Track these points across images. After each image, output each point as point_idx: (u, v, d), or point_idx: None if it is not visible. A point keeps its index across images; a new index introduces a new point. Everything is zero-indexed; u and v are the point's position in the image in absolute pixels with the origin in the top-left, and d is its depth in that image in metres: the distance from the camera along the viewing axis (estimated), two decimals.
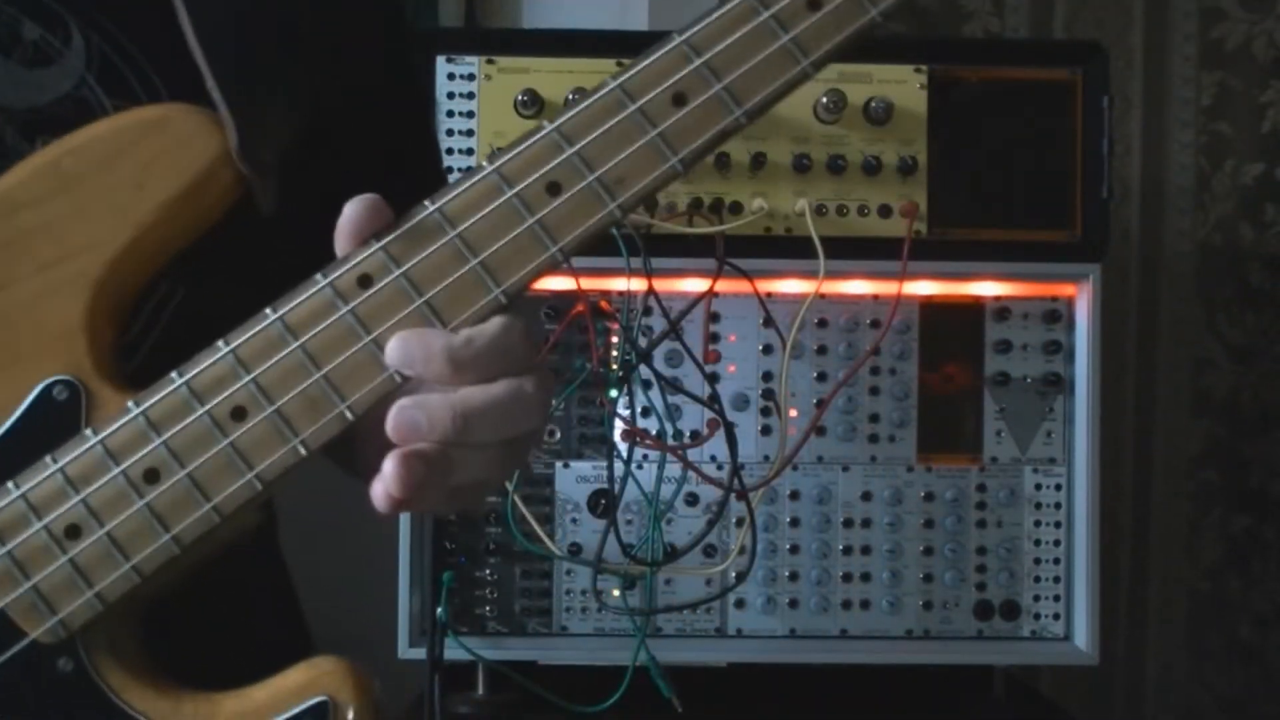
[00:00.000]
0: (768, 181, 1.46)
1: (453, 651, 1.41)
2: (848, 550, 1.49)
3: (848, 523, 1.49)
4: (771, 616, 1.49)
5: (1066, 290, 1.50)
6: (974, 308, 1.50)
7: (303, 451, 0.67)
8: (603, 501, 1.45)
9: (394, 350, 0.66)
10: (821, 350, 1.48)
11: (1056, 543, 1.50)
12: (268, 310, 0.67)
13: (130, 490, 0.66)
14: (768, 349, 1.47)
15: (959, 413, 1.50)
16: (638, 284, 1.39)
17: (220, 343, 0.67)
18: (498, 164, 0.67)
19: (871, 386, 1.49)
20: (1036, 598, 1.50)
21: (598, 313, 1.43)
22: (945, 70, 1.47)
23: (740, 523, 1.46)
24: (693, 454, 1.43)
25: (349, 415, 0.67)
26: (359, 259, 0.67)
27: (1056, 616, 1.50)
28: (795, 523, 1.48)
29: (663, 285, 1.41)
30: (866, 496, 1.49)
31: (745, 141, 1.46)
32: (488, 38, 1.53)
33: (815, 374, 1.48)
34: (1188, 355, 2.09)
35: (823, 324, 1.48)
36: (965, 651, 1.50)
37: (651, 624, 1.45)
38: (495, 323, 0.66)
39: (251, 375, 0.66)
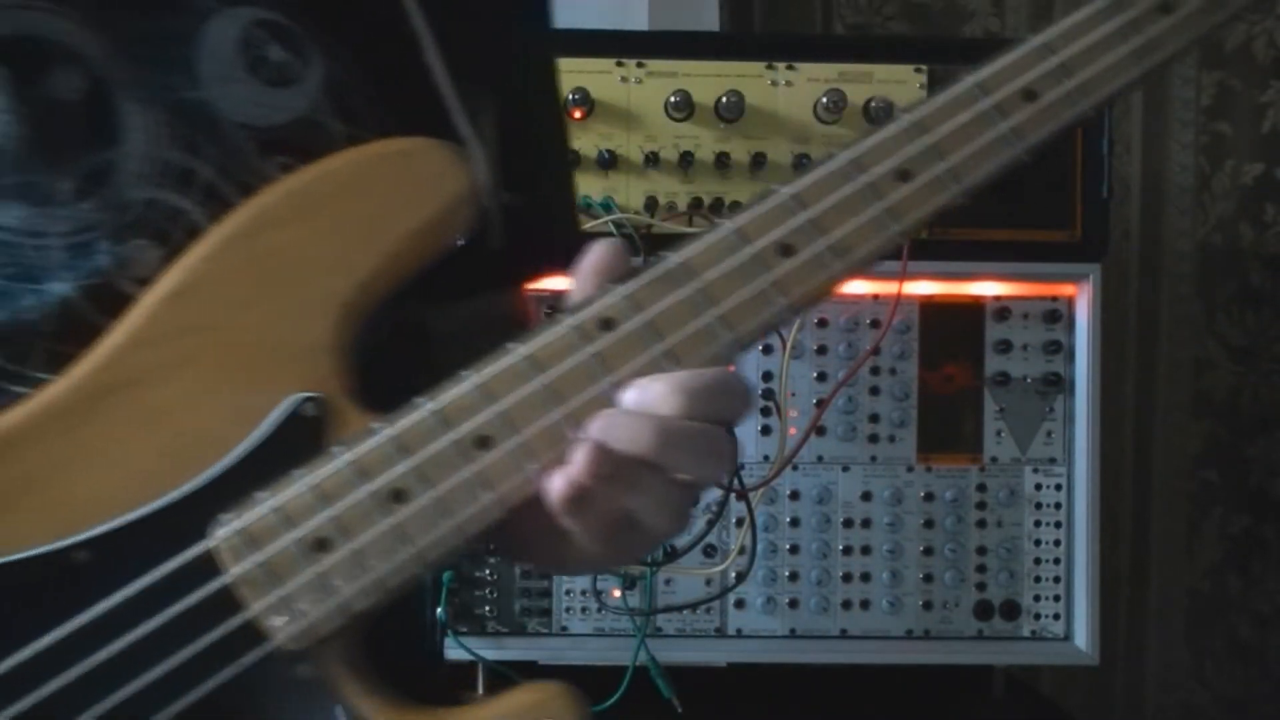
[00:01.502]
0: (768, 181, 1.46)
1: (453, 651, 1.42)
2: (848, 550, 1.49)
3: (848, 523, 1.49)
4: (771, 616, 1.49)
5: (1066, 290, 1.50)
6: (974, 308, 1.50)
7: (540, 482, 0.69)
8: None
9: (631, 394, 0.69)
10: (821, 350, 1.48)
11: (1056, 543, 1.50)
12: (512, 345, 0.70)
13: (378, 508, 0.68)
14: (767, 349, 1.47)
15: (959, 413, 1.50)
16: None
17: (466, 373, 0.69)
18: (738, 222, 0.71)
19: (871, 386, 1.49)
20: (1036, 598, 1.50)
21: None
22: (945, 70, 1.47)
23: (740, 523, 1.46)
24: None
25: None
26: (603, 301, 0.70)
27: (1056, 616, 1.50)
28: (795, 523, 1.49)
29: None
30: (866, 496, 1.49)
31: (745, 141, 1.46)
32: None
33: (815, 374, 1.48)
34: (1188, 355, 2.09)
35: (823, 324, 1.48)
36: (965, 651, 1.50)
37: (651, 624, 1.45)
38: (722, 369, 0.70)
39: (498, 405, 0.69)
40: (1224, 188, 2.08)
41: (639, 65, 1.46)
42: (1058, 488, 1.51)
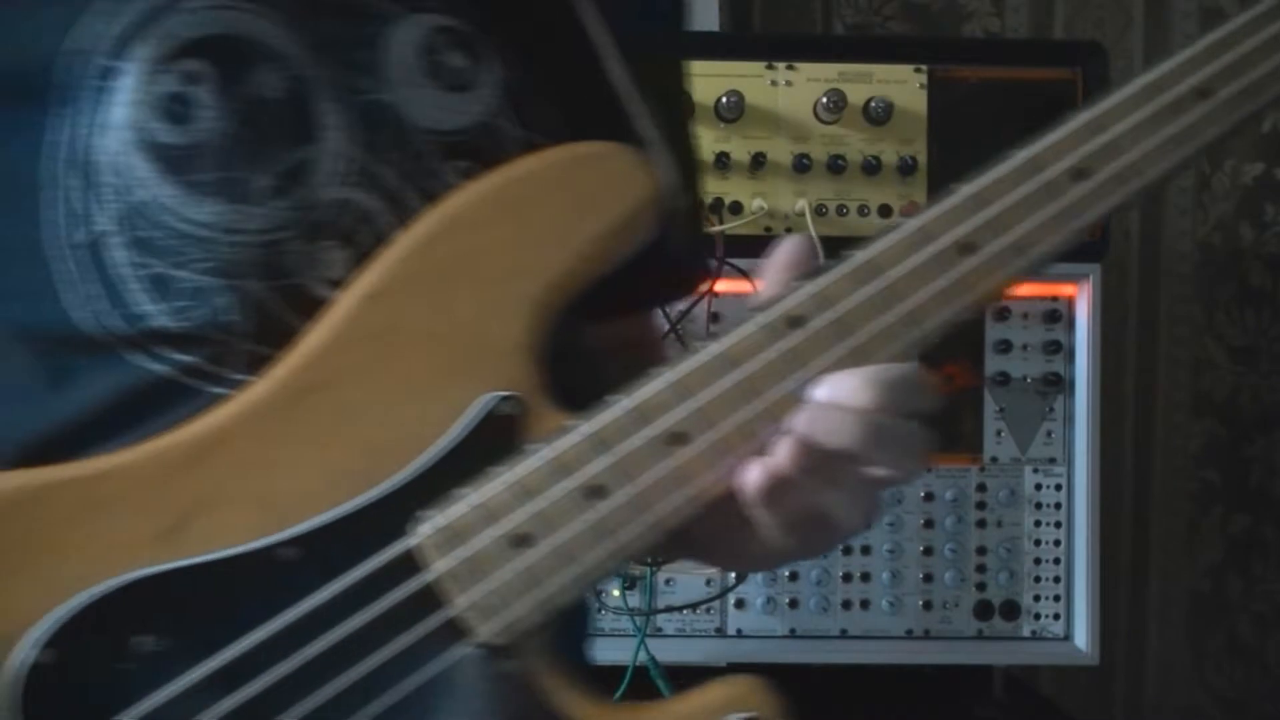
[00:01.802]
0: (768, 181, 1.46)
1: None
2: (848, 550, 1.49)
3: None
4: (771, 616, 1.49)
5: (1066, 290, 1.50)
6: None
7: (735, 477, 0.70)
8: None
9: (823, 388, 0.69)
10: None
11: (1056, 543, 1.50)
12: (708, 344, 0.71)
13: (578, 504, 0.69)
14: None
15: (959, 413, 1.50)
16: None
17: (659, 370, 0.71)
18: (920, 221, 0.72)
19: None
20: (1036, 598, 1.50)
21: None
22: (945, 70, 1.47)
23: None
24: None
25: None
26: (792, 299, 0.71)
27: (1056, 616, 1.50)
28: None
29: None
30: None
31: (745, 141, 1.46)
32: None
33: None
34: (1188, 355, 2.09)
35: None
36: (965, 651, 1.50)
37: (651, 624, 1.45)
38: (910, 365, 0.72)
39: (694, 401, 0.70)
40: (1224, 188, 2.08)
41: None
42: (1058, 488, 1.51)
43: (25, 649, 0.65)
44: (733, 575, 1.46)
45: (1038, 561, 1.50)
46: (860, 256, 0.72)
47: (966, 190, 0.73)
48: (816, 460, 0.68)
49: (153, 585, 0.67)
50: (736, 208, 1.45)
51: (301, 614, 0.67)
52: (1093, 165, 0.73)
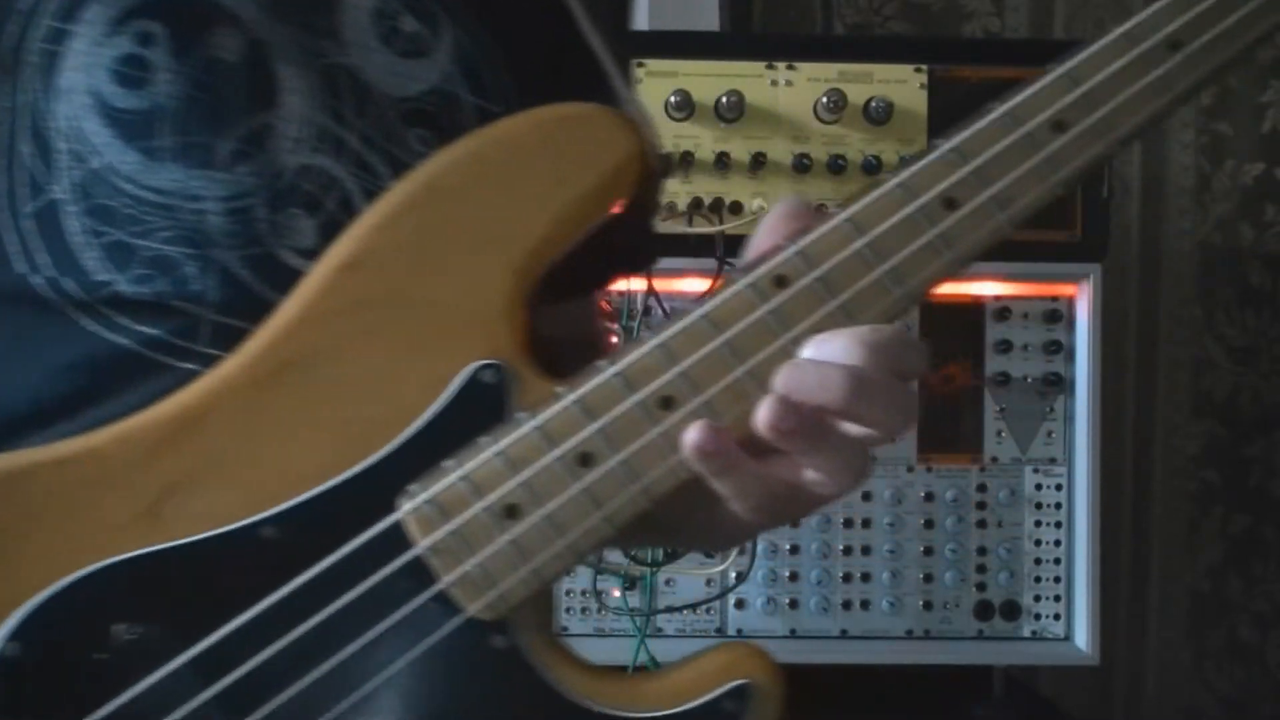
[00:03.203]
0: (768, 181, 1.46)
1: None
2: (848, 550, 1.49)
3: (848, 523, 1.49)
4: (772, 617, 1.49)
5: (1066, 290, 1.50)
6: (974, 308, 1.50)
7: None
8: None
9: (810, 348, 0.68)
10: None
11: (1057, 543, 1.50)
12: (692, 307, 0.69)
13: (567, 473, 0.68)
14: None
15: (959, 413, 1.50)
16: (637, 284, 1.39)
17: (647, 334, 0.69)
18: (901, 177, 0.71)
19: None
20: (1037, 598, 1.50)
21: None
22: (945, 70, 1.47)
23: None
24: None
25: None
26: (776, 260, 0.70)
27: (1057, 616, 1.50)
28: (795, 523, 1.48)
29: (662, 285, 1.41)
30: (867, 497, 1.49)
31: (745, 141, 1.46)
32: None
33: None
34: (1188, 355, 2.09)
35: None
36: (965, 651, 1.50)
37: (651, 624, 1.45)
38: (900, 324, 0.71)
39: (681, 366, 0.68)
40: (1224, 188, 2.08)
41: (639, 65, 1.46)
42: (1058, 488, 1.51)
43: None
44: (733, 575, 1.46)
45: (1038, 561, 1.50)
46: (842, 216, 0.70)
47: (946, 145, 0.72)
48: (802, 419, 0.67)
49: (130, 570, 0.65)
50: (736, 208, 1.45)
51: (287, 595, 0.66)
52: (1071, 118, 0.73)
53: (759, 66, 1.47)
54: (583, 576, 1.46)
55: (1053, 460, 1.51)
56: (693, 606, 1.47)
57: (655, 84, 1.46)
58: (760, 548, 1.47)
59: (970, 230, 0.71)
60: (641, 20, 1.81)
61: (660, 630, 1.47)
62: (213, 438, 0.67)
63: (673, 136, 1.46)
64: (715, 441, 0.67)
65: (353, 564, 0.67)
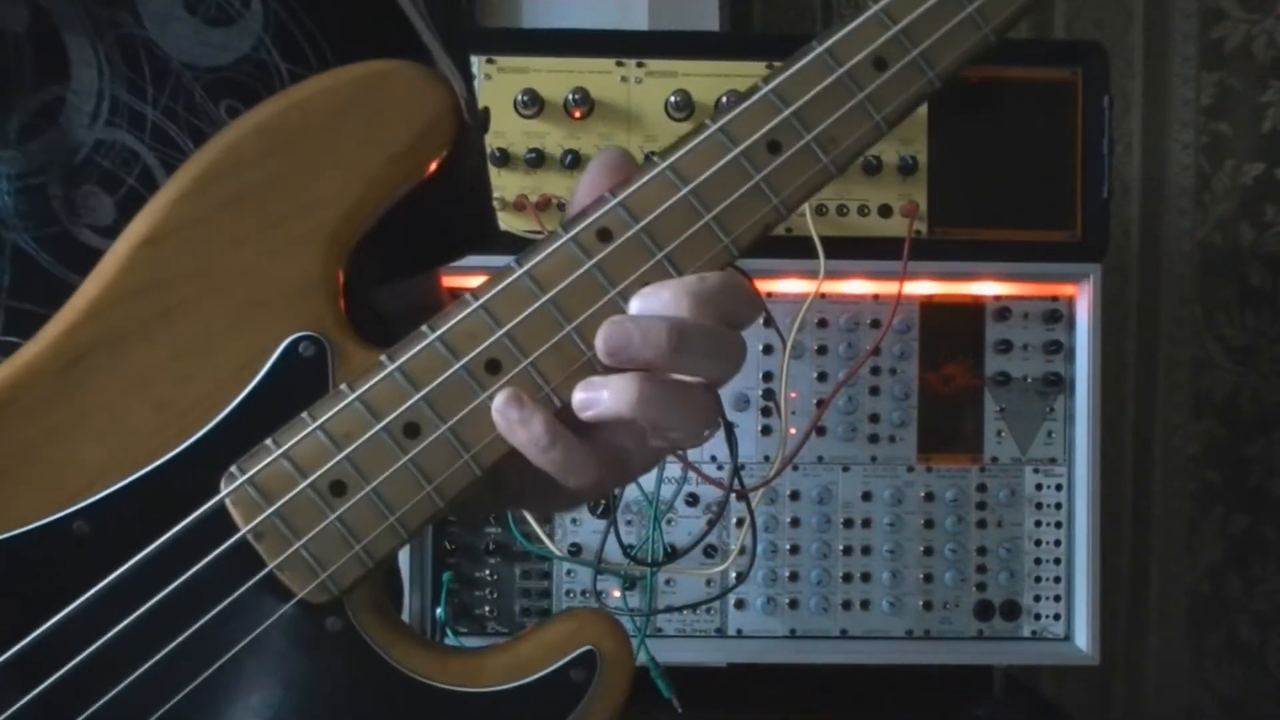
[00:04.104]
0: None
1: None
2: (848, 550, 1.49)
3: (848, 523, 1.49)
4: (772, 617, 1.49)
5: (1066, 290, 1.50)
6: (974, 308, 1.50)
7: (556, 402, 0.67)
8: (603, 502, 1.45)
9: (637, 302, 0.67)
10: (822, 350, 1.48)
11: (1057, 543, 1.50)
12: (512, 264, 0.67)
13: (393, 446, 0.66)
14: (768, 349, 1.47)
15: (959, 413, 1.50)
16: None
17: (469, 296, 0.67)
18: (720, 123, 0.69)
19: (872, 386, 1.49)
20: (1037, 598, 1.50)
21: None
22: None
23: (740, 523, 1.46)
24: (693, 454, 1.43)
25: (597, 367, 0.67)
26: (599, 214, 0.68)
27: (1057, 617, 1.50)
28: (795, 523, 1.48)
29: None
30: (867, 497, 1.49)
31: None
32: (488, 37, 1.53)
33: (815, 374, 1.48)
34: (1188, 355, 2.09)
35: (823, 324, 1.48)
36: (965, 651, 1.50)
37: (651, 624, 1.45)
38: (728, 271, 0.69)
39: (504, 328, 0.67)
40: (1224, 188, 2.08)
41: (639, 65, 1.46)
42: (1058, 488, 1.51)
43: None
44: (733, 575, 1.46)
45: (1038, 561, 1.50)
46: (662, 164, 0.69)
47: (766, 88, 0.70)
48: (639, 388, 0.65)
49: None
50: None
51: (104, 591, 0.63)
52: (890, 55, 0.71)
53: (759, 66, 1.47)
54: (582, 576, 1.46)
55: (1053, 460, 1.51)
56: (693, 606, 1.47)
57: (655, 84, 1.46)
58: (760, 548, 1.47)
59: (794, 174, 0.69)
60: (641, 20, 1.81)
61: (660, 630, 1.47)
62: (13, 429, 0.64)
63: (673, 136, 1.46)
64: (519, 410, 0.65)
65: (175, 552, 0.64)
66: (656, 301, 0.66)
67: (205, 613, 0.64)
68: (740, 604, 1.48)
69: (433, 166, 0.69)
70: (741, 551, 1.45)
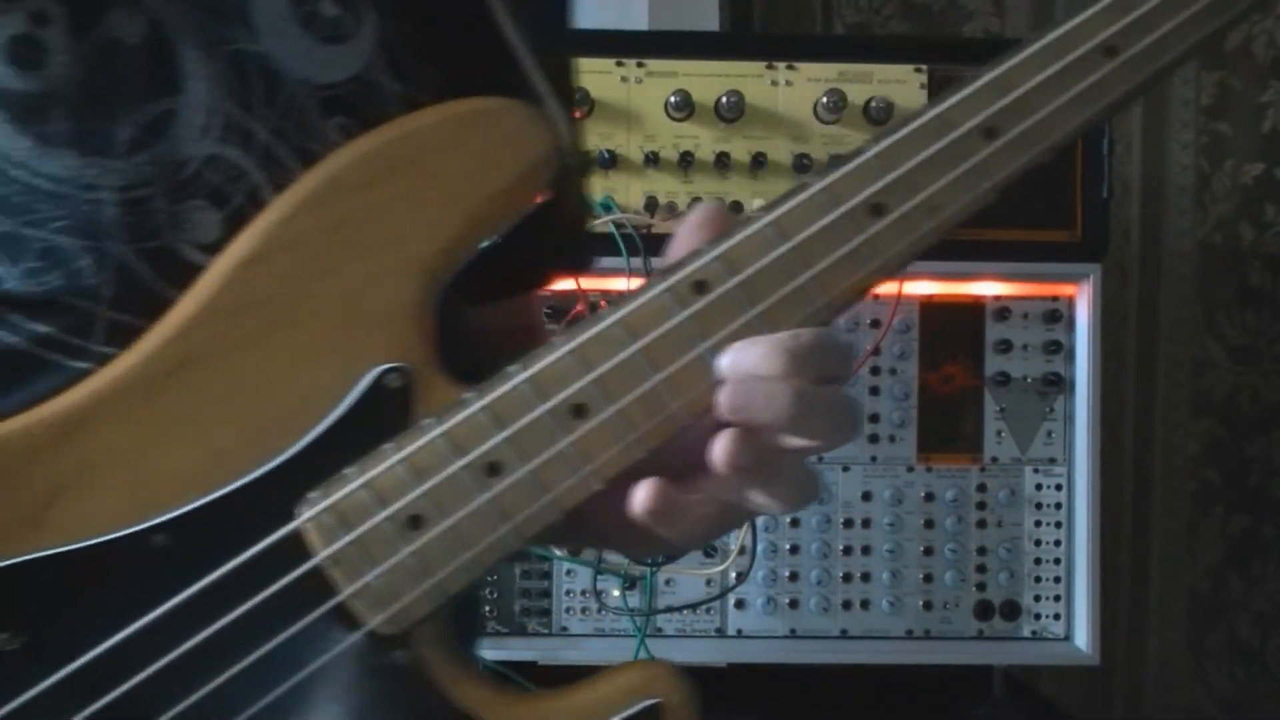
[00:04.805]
0: (768, 181, 1.46)
1: None
2: (848, 550, 1.49)
3: (848, 523, 1.49)
4: (772, 617, 1.49)
5: (1066, 290, 1.50)
6: (974, 308, 1.50)
7: (640, 451, 0.66)
8: None
9: (728, 357, 0.66)
10: None
11: (1057, 543, 1.50)
12: (605, 311, 0.67)
13: (473, 483, 0.65)
14: None
15: (959, 413, 1.50)
16: (637, 284, 1.38)
17: (559, 340, 0.66)
18: (827, 181, 0.69)
19: (872, 386, 1.49)
20: (1037, 598, 1.50)
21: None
22: (945, 70, 1.47)
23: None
24: None
25: (683, 418, 0.67)
26: (695, 265, 0.67)
27: (1057, 616, 1.50)
28: (795, 523, 1.48)
29: None
30: (867, 496, 1.49)
31: (745, 141, 1.46)
32: None
33: None
34: (1188, 355, 2.09)
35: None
36: (965, 651, 1.50)
37: (651, 624, 1.45)
38: (820, 328, 0.67)
39: (593, 374, 0.66)
40: (1224, 188, 2.08)
41: (639, 65, 1.46)
42: (1058, 488, 1.51)
43: None
44: (733, 575, 1.46)
45: (1038, 561, 1.50)
46: (765, 219, 0.68)
47: (872, 150, 0.69)
48: (757, 450, 0.64)
49: (12, 577, 0.62)
50: (737, 208, 1.45)
51: (178, 606, 0.63)
52: (1002, 124, 0.71)
53: (759, 66, 1.47)
54: (582, 576, 1.46)
55: (1053, 460, 1.51)
56: (693, 606, 1.47)
57: (655, 84, 1.46)
58: (760, 548, 1.47)
59: (897, 238, 0.69)
60: (641, 20, 1.81)
61: (660, 630, 1.47)
62: (103, 439, 0.64)
63: (673, 136, 1.46)
64: (665, 502, 0.65)
65: (248, 574, 0.64)
66: (748, 357, 0.65)
67: (274, 636, 0.64)
68: (740, 604, 1.48)
69: (532, 205, 0.69)
70: (741, 551, 1.45)
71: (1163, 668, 2.10)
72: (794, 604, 1.49)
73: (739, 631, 1.49)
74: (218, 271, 0.66)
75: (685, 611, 1.47)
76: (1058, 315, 1.50)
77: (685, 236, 0.69)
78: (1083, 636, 1.49)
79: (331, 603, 0.64)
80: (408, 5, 0.74)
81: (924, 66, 1.47)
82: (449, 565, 0.65)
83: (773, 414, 0.64)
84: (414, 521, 0.65)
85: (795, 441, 0.65)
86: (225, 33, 0.68)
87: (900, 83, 1.47)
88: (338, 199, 0.67)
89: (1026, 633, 1.50)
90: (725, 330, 0.66)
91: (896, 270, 0.70)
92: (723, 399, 0.65)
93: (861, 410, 0.69)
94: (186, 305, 0.65)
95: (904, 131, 0.70)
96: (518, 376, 0.66)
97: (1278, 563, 2.10)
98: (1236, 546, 2.10)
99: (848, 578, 1.49)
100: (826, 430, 0.65)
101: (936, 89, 1.47)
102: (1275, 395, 2.09)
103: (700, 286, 0.67)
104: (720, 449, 0.64)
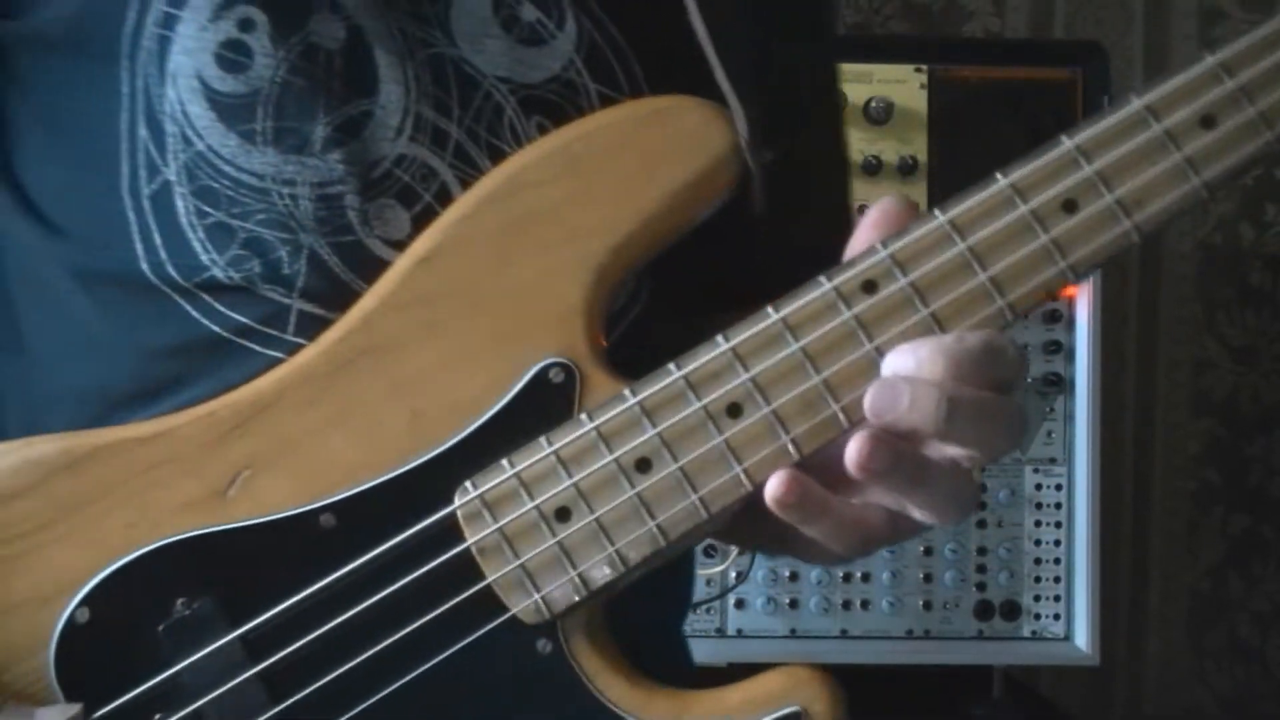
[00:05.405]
0: None
1: None
2: None
3: None
4: (772, 616, 1.49)
5: (1066, 290, 1.50)
6: None
7: (794, 454, 0.65)
8: None
9: (890, 359, 0.64)
10: None
11: (1057, 543, 1.50)
12: (769, 309, 0.66)
13: (622, 478, 0.66)
14: None
15: None
16: None
17: (719, 338, 0.66)
18: (1011, 178, 0.66)
19: None
20: (1037, 598, 1.50)
21: None
22: (945, 70, 1.47)
23: None
24: None
25: (842, 420, 0.65)
26: (866, 264, 0.65)
27: (1056, 616, 1.50)
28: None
29: None
30: None
31: None
32: None
33: None
34: (1188, 355, 2.09)
35: None
36: (965, 651, 1.50)
37: None
38: (988, 331, 0.65)
39: (750, 373, 0.65)
40: (1224, 188, 2.08)
41: None
42: (1058, 488, 1.51)
43: (63, 608, 0.66)
44: (733, 575, 1.46)
45: (1038, 561, 1.50)
46: (940, 218, 0.65)
47: (1069, 142, 0.66)
48: (896, 455, 0.62)
49: (195, 548, 0.67)
50: None
51: (336, 580, 0.66)
52: (1218, 114, 0.67)
53: None
54: None
55: (1053, 460, 1.51)
56: (693, 606, 1.47)
57: None
58: None
59: (1089, 237, 0.65)
60: None
61: None
62: (282, 426, 0.68)
63: None
64: (794, 492, 0.63)
65: (404, 554, 0.67)
66: (910, 359, 0.63)
67: (423, 615, 0.67)
68: (740, 604, 1.48)
69: (712, 207, 0.69)
70: (741, 551, 1.45)
71: (1163, 668, 2.10)
72: (794, 604, 1.49)
73: (739, 631, 1.49)
74: (397, 269, 0.69)
75: None
76: (1058, 315, 1.50)
77: (863, 232, 0.67)
78: (1083, 636, 1.49)
79: (476, 587, 0.66)
80: (606, 6, 0.75)
81: (924, 66, 1.47)
82: (591, 558, 0.66)
83: (918, 418, 0.61)
84: (561, 513, 0.66)
85: (946, 449, 0.63)
86: (423, 36, 0.71)
87: (900, 82, 1.47)
88: (515, 195, 0.69)
89: (1026, 633, 1.50)
90: (892, 331, 0.64)
91: (1090, 272, 0.66)
92: (866, 400, 0.63)
93: (1022, 418, 0.65)
94: (366, 300, 0.69)
95: (1106, 122, 0.67)
96: (674, 374, 0.66)
97: (1278, 563, 2.10)
98: (1236, 546, 2.10)
99: (848, 577, 1.49)
100: (980, 439, 0.63)
101: (936, 89, 1.47)
102: (1275, 395, 2.09)
103: (869, 286, 0.65)
104: (852, 451, 0.62)
